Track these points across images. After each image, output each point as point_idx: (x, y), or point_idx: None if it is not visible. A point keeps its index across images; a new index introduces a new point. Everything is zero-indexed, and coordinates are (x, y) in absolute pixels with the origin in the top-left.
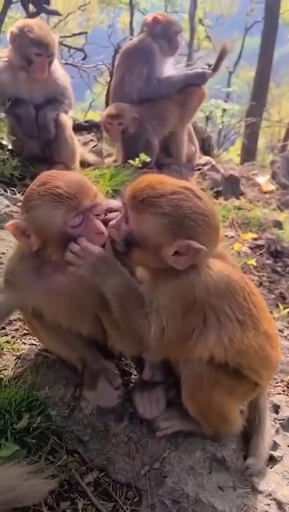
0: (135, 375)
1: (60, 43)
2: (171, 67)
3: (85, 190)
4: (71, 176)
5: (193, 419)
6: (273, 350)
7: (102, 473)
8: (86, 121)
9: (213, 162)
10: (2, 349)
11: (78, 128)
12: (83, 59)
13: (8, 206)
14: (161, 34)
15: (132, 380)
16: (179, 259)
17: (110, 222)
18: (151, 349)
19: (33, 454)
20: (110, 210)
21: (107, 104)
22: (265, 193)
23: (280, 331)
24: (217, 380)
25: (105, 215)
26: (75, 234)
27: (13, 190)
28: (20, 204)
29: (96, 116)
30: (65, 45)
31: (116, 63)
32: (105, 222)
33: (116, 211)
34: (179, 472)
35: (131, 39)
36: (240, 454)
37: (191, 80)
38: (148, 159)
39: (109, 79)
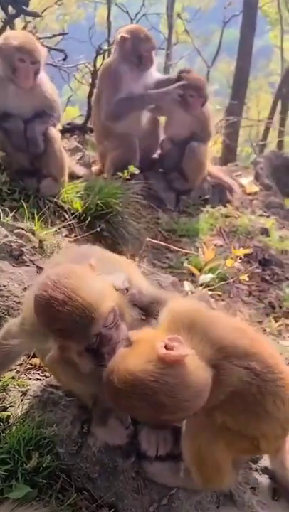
0: None
1: (41, 44)
2: (144, 83)
3: (90, 318)
4: (72, 308)
5: (185, 473)
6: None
7: (112, 510)
8: (68, 124)
9: None
10: (7, 385)
11: (61, 131)
12: (64, 59)
13: (6, 236)
14: (131, 52)
15: None
16: None
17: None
18: None
19: (43, 493)
20: None
21: (89, 110)
22: (249, 194)
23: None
24: (219, 431)
25: None
26: (92, 348)
27: (4, 210)
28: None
29: (75, 111)
30: (46, 46)
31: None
32: None
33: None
34: (188, 508)
35: (109, 42)
36: (246, 488)
37: (152, 100)
38: (136, 171)
39: (90, 80)
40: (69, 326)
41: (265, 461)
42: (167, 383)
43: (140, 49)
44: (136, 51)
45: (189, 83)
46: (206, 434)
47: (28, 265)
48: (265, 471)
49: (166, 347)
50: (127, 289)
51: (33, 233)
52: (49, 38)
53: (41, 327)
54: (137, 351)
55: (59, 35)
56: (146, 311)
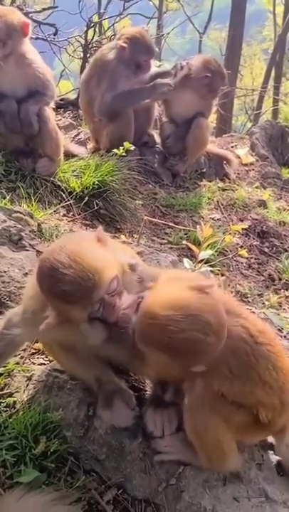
0: (145, 391)
1: (31, 18)
2: (141, 82)
3: (93, 282)
4: (76, 271)
5: (193, 450)
6: None
7: (121, 491)
8: (61, 100)
9: None
10: (12, 371)
11: (54, 108)
12: (54, 34)
13: (4, 221)
14: (129, 60)
15: (143, 397)
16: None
17: (120, 315)
18: None
19: (52, 477)
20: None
21: None
22: (245, 165)
23: (279, 330)
24: (215, 405)
25: None
26: (96, 316)
27: (1, 192)
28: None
29: (68, 85)
30: (35, 21)
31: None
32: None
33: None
34: (195, 486)
35: (100, 15)
36: (252, 464)
37: (149, 95)
38: (132, 147)
39: (82, 54)
40: (72, 289)
41: (270, 438)
42: (208, 304)
43: (138, 58)
44: (133, 60)
45: (216, 71)
46: (203, 410)
47: (27, 249)
48: (270, 447)
49: None
50: (137, 264)
51: (31, 216)
52: (39, 12)
53: (43, 293)
54: (168, 289)
55: (49, 8)
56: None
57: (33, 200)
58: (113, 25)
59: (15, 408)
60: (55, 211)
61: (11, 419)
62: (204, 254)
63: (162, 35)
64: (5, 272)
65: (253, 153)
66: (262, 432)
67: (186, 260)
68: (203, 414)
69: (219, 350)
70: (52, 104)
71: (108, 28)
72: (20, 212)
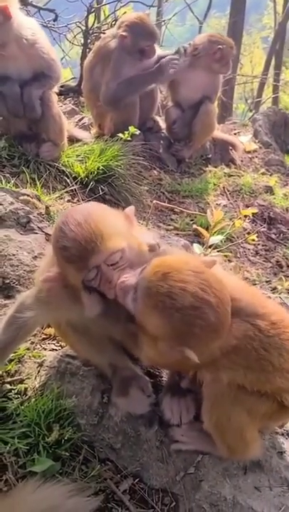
0: (161, 378)
1: (30, 4)
2: (145, 68)
3: (94, 246)
4: (82, 230)
5: (211, 440)
6: None
7: (137, 480)
8: (62, 86)
9: None
10: (23, 357)
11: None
12: (54, 20)
13: (12, 203)
14: (132, 48)
15: (159, 384)
16: (173, 351)
17: (119, 281)
18: None
19: (66, 466)
20: None
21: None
22: (248, 152)
23: None
24: (236, 397)
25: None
26: (92, 285)
27: (5, 176)
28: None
29: (67, 73)
30: (35, 6)
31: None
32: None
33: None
34: (215, 475)
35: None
36: (273, 452)
37: (150, 80)
38: (137, 132)
39: (82, 40)
40: (72, 247)
41: None
42: (210, 279)
43: (140, 45)
44: (136, 47)
45: (225, 42)
46: (224, 403)
47: (36, 232)
48: None
49: None
50: (158, 245)
51: (39, 199)
52: None
53: (51, 245)
54: (173, 261)
55: None
56: None
57: (38, 185)
58: (114, 12)
59: (26, 395)
60: (59, 197)
61: (22, 407)
62: (214, 239)
63: (163, 21)
64: (13, 255)
65: (256, 141)
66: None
67: (195, 245)
68: (226, 407)
69: (218, 346)
70: (56, 88)
71: (108, 16)
72: (28, 195)
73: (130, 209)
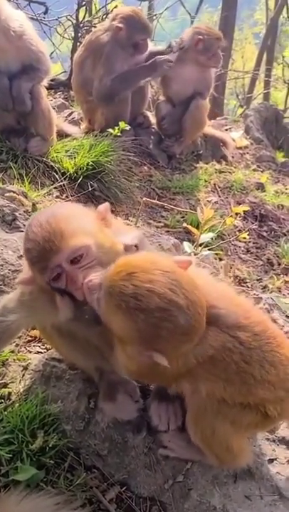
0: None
1: None
2: (138, 63)
3: (52, 245)
4: (41, 231)
5: (200, 449)
6: None
7: (124, 488)
8: (52, 80)
9: None
10: (7, 360)
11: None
12: (44, 13)
13: None
14: (126, 41)
15: (147, 388)
16: (141, 355)
17: (86, 281)
18: None
19: (51, 474)
20: None
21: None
22: (240, 148)
23: (287, 316)
24: (219, 410)
25: None
26: (59, 287)
27: None
28: None
29: (57, 68)
30: None
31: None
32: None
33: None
34: (204, 484)
35: None
36: (263, 460)
37: (144, 75)
38: (127, 127)
39: (73, 34)
40: (32, 248)
41: (282, 431)
42: (180, 279)
43: (135, 38)
44: (131, 40)
45: (208, 33)
46: (207, 416)
47: (22, 231)
48: (282, 441)
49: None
50: (136, 246)
51: (26, 196)
52: None
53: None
54: (140, 261)
55: None
56: None
57: (25, 180)
58: (105, 6)
59: (10, 400)
60: (48, 192)
61: (6, 412)
62: (205, 237)
63: (155, 15)
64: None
65: (248, 137)
66: (274, 422)
67: (186, 243)
68: (208, 420)
69: (192, 352)
70: (45, 82)
71: (99, 9)
72: (14, 192)
73: (104, 206)
